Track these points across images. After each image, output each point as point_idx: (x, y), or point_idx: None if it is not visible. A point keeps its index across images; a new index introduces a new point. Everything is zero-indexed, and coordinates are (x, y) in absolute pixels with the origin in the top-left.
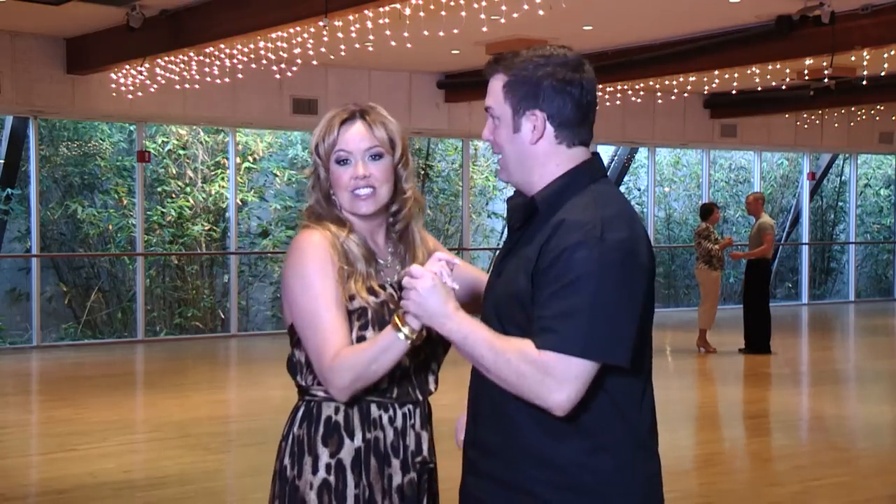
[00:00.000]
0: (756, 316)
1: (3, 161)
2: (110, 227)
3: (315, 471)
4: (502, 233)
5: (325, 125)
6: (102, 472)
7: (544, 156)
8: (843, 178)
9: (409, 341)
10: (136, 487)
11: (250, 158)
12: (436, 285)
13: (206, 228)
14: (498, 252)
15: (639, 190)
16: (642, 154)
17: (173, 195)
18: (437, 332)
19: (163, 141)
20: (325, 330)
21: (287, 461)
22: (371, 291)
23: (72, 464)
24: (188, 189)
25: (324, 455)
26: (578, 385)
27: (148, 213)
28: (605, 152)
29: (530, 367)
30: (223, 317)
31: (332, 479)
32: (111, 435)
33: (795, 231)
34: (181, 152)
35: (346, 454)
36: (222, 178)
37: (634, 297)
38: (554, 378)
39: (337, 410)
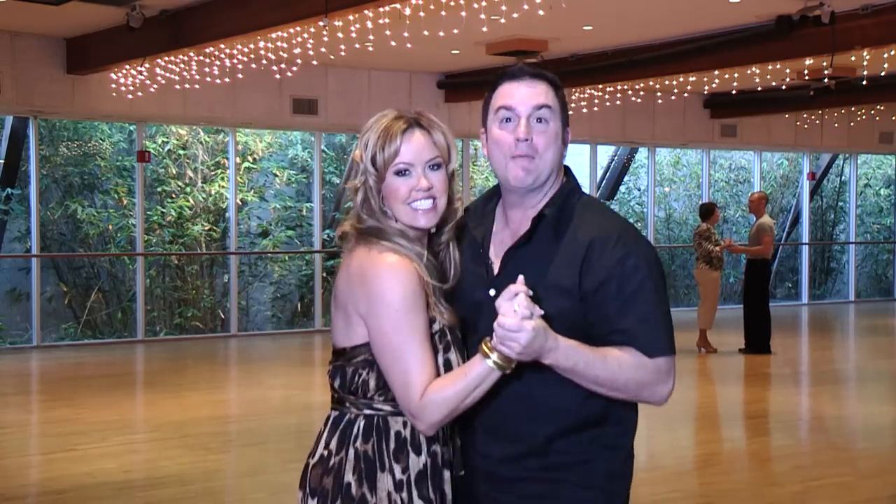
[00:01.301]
0: (756, 316)
1: (3, 161)
2: (110, 227)
3: (391, 487)
4: None
5: (383, 134)
6: (102, 472)
7: (560, 168)
8: (843, 178)
9: (504, 371)
10: (136, 487)
11: (250, 158)
12: (537, 332)
13: (206, 228)
14: (463, 257)
15: (639, 190)
16: (642, 154)
17: (173, 195)
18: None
19: (163, 141)
20: (414, 365)
21: (351, 478)
22: (445, 308)
23: (71, 464)
24: (188, 189)
25: (397, 470)
26: (673, 374)
27: (148, 213)
28: (605, 152)
29: (647, 372)
30: (223, 317)
31: (404, 495)
32: (111, 435)
33: (795, 231)
34: (181, 152)
35: (414, 469)
36: (222, 178)
37: (667, 294)
38: (667, 375)
39: (405, 425)
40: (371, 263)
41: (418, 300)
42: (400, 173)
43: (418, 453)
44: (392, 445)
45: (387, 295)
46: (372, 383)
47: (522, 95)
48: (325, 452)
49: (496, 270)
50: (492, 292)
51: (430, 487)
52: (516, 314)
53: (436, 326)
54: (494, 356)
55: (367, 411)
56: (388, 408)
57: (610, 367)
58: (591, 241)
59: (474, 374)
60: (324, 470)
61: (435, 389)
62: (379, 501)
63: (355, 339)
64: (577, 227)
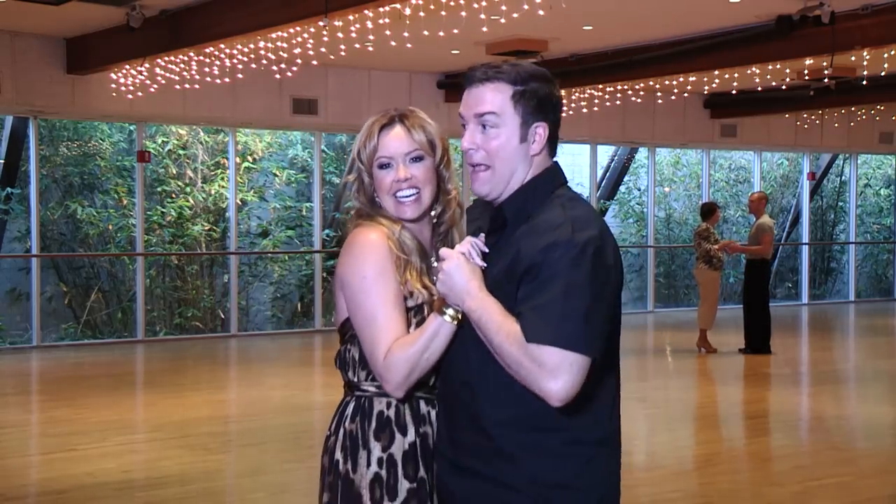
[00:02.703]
0: (756, 316)
1: (3, 161)
2: (110, 227)
3: (368, 464)
4: None
5: (366, 131)
6: (102, 472)
7: (535, 166)
8: (843, 178)
9: (454, 322)
10: (136, 487)
11: (250, 158)
12: (461, 264)
13: (206, 228)
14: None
15: (639, 190)
16: (642, 154)
17: (173, 195)
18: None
19: (163, 141)
20: (382, 328)
21: (339, 455)
22: (425, 286)
23: (71, 464)
24: (188, 189)
25: (376, 449)
26: (573, 375)
27: (148, 213)
28: (605, 152)
29: (526, 356)
30: (223, 317)
31: (383, 473)
32: (111, 435)
33: (795, 231)
34: (181, 152)
35: (398, 449)
36: (222, 178)
37: (604, 292)
38: (552, 371)
39: (388, 406)
40: (351, 238)
41: (387, 269)
42: (382, 167)
43: (404, 433)
44: (373, 424)
45: (357, 263)
46: (356, 356)
47: (468, 102)
48: (328, 433)
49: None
50: None
51: (420, 467)
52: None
53: (411, 302)
54: (448, 310)
55: (357, 392)
56: (372, 388)
57: (502, 334)
58: (531, 232)
59: (429, 328)
60: (325, 450)
61: (396, 348)
62: (360, 478)
63: (341, 315)
64: (532, 218)
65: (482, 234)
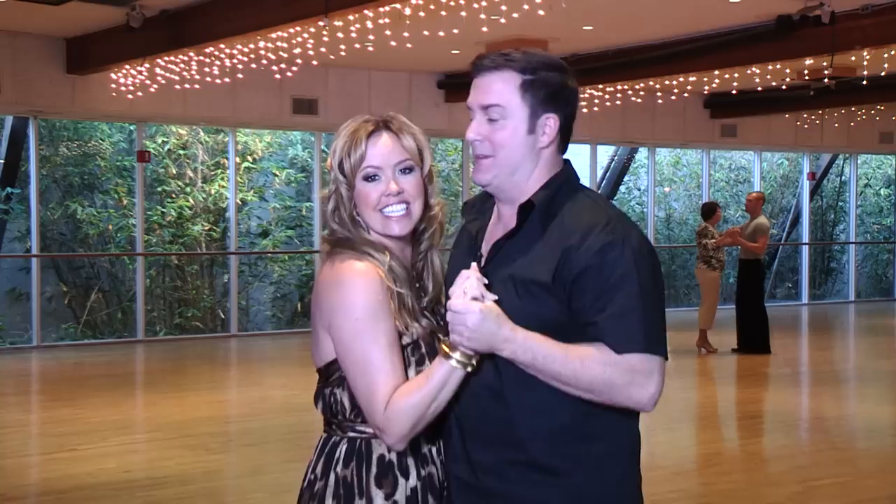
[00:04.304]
0: (753, 316)
1: (3, 161)
2: (110, 227)
3: None
4: None
5: (349, 139)
6: (102, 472)
7: (545, 161)
8: (843, 178)
9: (466, 369)
10: (136, 487)
11: (250, 158)
12: (485, 315)
13: (206, 228)
14: (455, 253)
15: (639, 190)
16: (642, 154)
17: (173, 195)
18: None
19: (163, 141)
20: (380, 377)
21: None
22: (416, 319)
23: (72, 464)
24: (188, 189)
25: (378, 498)
26: (660, 378)
27: (148, 213)
28: (605, 152)
29: (616, 371)
30: (223, 317)
31: None
32: (111, 435)
33: (795, 231)
34: (181, 152)
35: (401, 496)
36: (222, 178)
37: (661, 291)
38: (645, 377)
39: (389, 449)
40: (333, 273)
41: (382, 307)
42: (369, 178)
43: (406, 477)
44: (374, 470)
45: (347, 302)
46: (346, 402)
47: (476, 92)
48: (312, 477)
49: (483, 263)
50: None
51: None
52: (465, 296)
53: (407, 339)
54: (456, 354)
55: (351, 434)
56: (370, 430)
57: (572, 363)
58: (573, 231)
59: (437, 376)
60: (310, 496)
61: (399, 398)
62: None
63: (325, 357)
64: (564, 217)
65: (474, 265)
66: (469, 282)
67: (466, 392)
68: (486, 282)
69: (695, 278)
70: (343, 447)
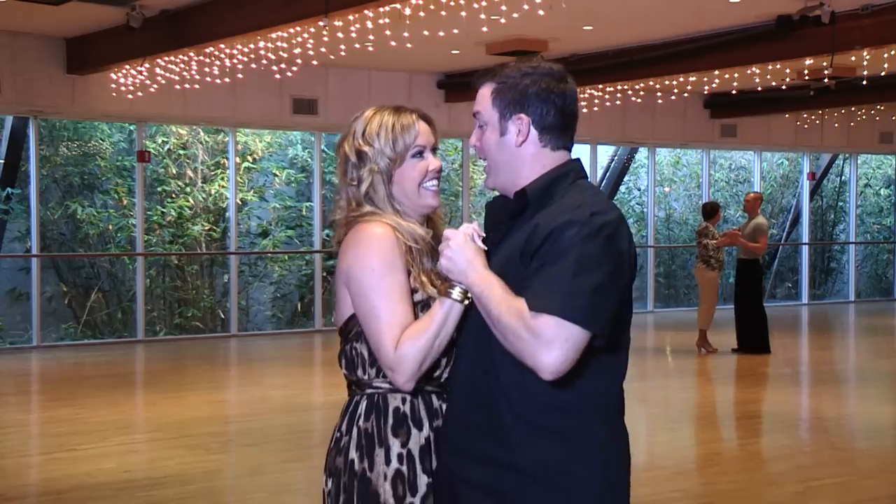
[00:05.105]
0: (752, 316)
1: (3, 161)
2: (110, 227)
3: (388, 462)
4: None
5: (401, 122)
6: (102, 472)
7: (530, 157)
8: (843, 178)
9: (463, 301)
10: (136, 487)
11: (250, 158)
12: (466, 242)
13: (206, 228)
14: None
15: (639, 190)
16: (642, 154)
17: (173, 195)
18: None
19: (163, 141)
20: (391, 321)
21: (354, 455)
22: (432, 283)
23: (71, 464)
24: (188, 189)
25: (395, 446)
26: (569, 349)
27: (148, 213)
28: (605, 152)
29: (524, 326)
30: (223, 317)
31: (404, 469)
32: (111, 435)
33: (795, 231)
34: (181, 152)
35: (415, 444)
36: (222, 178)
37: (615, 274)
38: (548, 342)
39: (404, 401)
40: (354, 234)
41: (396, 262)
42: (416, 155)
43: (420, 428)
44: (391, 421)
45: (363, 254)
46: (366, 353)
47: (475, 104)
48: (338, 435)
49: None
50: None
51: (434, 461)
52: (459, 231)
53: (418, 297)
54: (454, 292)
55: (369, 390)
56: (386, 385)
57: (499, 306)
58: (551, 213)
59: (439, 314)
60: (337, 451)
61: (407, 338)
62: (377, 476)
63: (345, 313)
64: (553, 205)
65: (476, 221)
66: (466, 224)
67: (462, 366)
68: (483, 235)
69: (694, 278)
70: (364, 403)
